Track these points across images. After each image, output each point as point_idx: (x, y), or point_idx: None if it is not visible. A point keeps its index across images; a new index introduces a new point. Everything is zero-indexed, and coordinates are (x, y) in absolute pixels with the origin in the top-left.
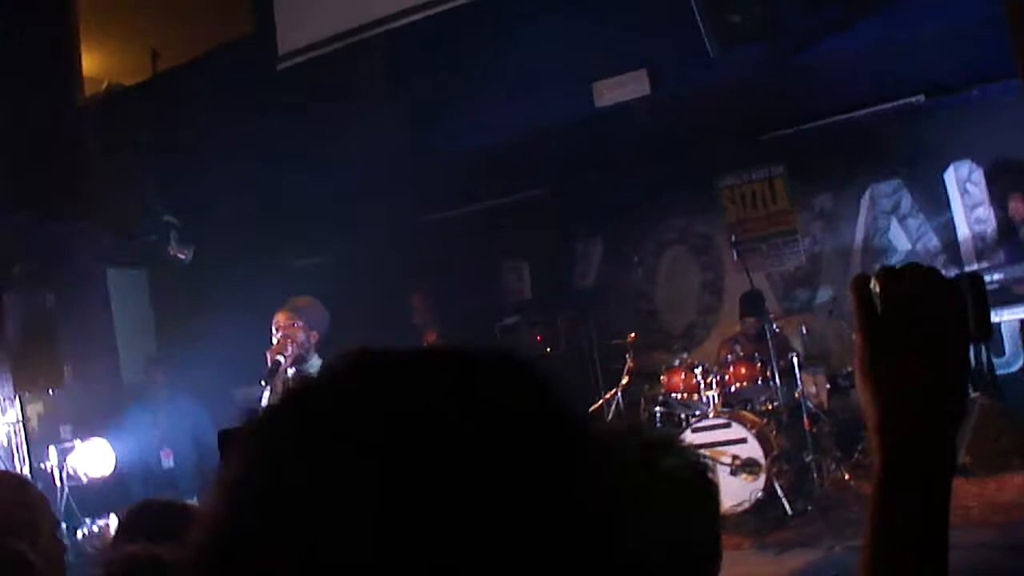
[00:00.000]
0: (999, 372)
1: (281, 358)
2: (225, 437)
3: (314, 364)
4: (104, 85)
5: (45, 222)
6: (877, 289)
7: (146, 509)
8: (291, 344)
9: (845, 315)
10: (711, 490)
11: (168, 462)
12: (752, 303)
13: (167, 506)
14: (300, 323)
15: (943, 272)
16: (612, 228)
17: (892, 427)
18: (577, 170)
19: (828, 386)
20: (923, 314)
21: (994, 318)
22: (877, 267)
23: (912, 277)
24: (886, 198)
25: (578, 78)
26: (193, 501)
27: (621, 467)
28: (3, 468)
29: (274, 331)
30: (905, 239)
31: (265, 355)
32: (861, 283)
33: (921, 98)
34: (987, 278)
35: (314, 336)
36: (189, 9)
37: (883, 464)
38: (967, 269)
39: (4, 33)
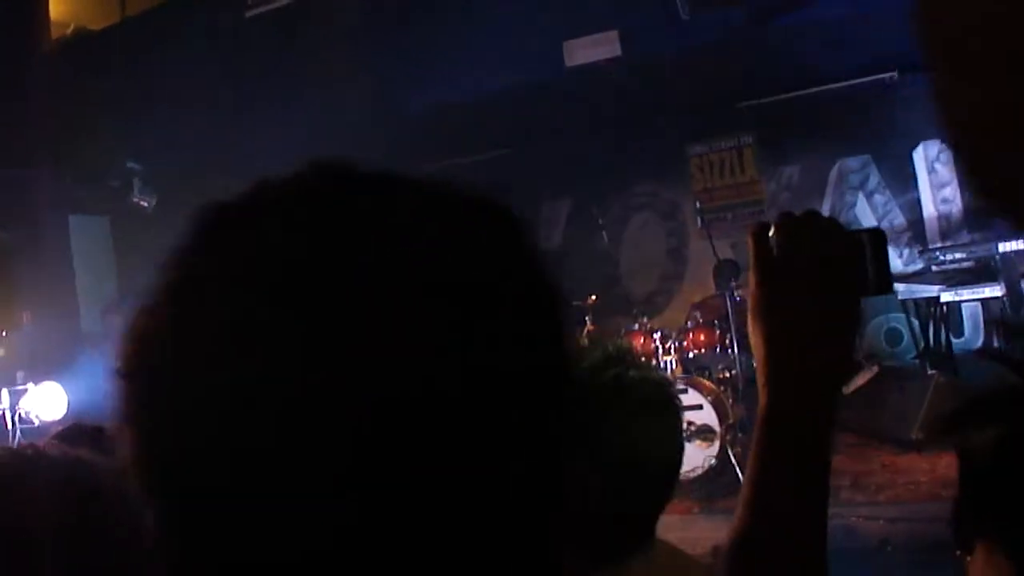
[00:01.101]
0: (957, 351)
1: None
2: None
3: None
4: (70, 29)
5: (5, 166)
6: (775, 236)
7: (76, 427)
8: None
9: None
10: (674, 404)
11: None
12: (724, 274)
13: (98, 427)
14: None
15: (892, 255)
16: (579, 190)
17: (775, 371)
18: (546, 131)
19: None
20: (819, 263)
21: (955, 297)
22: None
23: (811, 227)
24: (854, 173)
25: (549, 37)
26: None
27: (591, 366)
28: None
29: None
30: (871, 215)
31: None
32: (760, 229)
33: (894, 75)
34: (951, 256)
35: None
36: None
37: (764, 406)
38: (920, 250)
39: None
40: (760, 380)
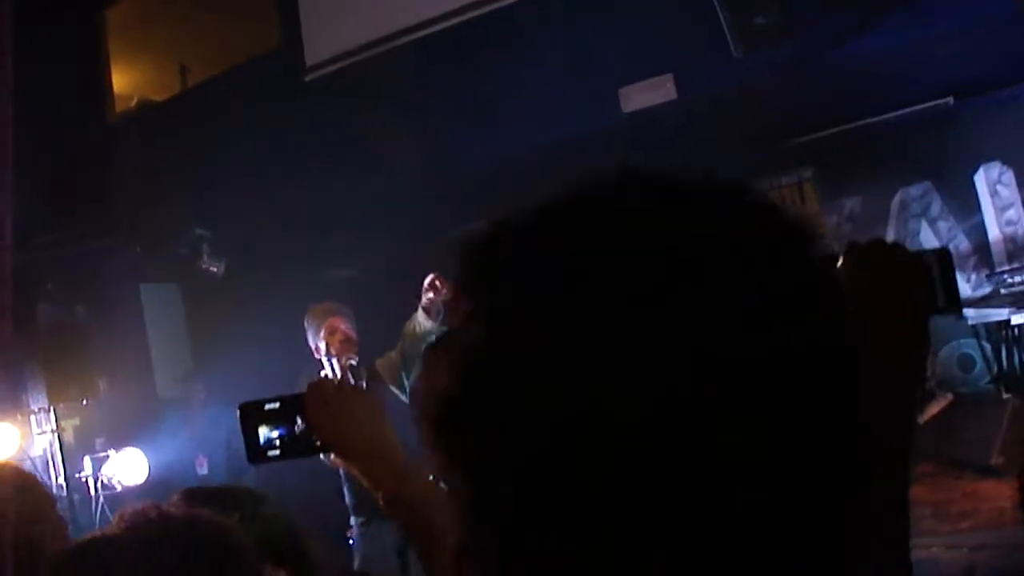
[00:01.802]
0: None
1: (353, 361)
2: (247, 409)
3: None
4: (134, 101)
5: (77, 239)
6: (843, 266)
7: (196, 490)
8: (355, 345)
9: None
10: None
11: (202, 469)
12: None
13: (218, 489)
14: (354, 330)
15: (960, 280)
16: None
17: None
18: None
19: None
20: (887, 287)
21: None
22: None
23: (877, 253)
24: (916, 201)
25: (604, 84)
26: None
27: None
28: (39, 479)
29: (328, 334)
30: (936, 242)
31: (331, 362)
32: (828, 260)
33: (950, 100)
34: (1019, 278)
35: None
36: (217, 25)
37: None
38: (988, 274)
39: (35, 51)
40: None
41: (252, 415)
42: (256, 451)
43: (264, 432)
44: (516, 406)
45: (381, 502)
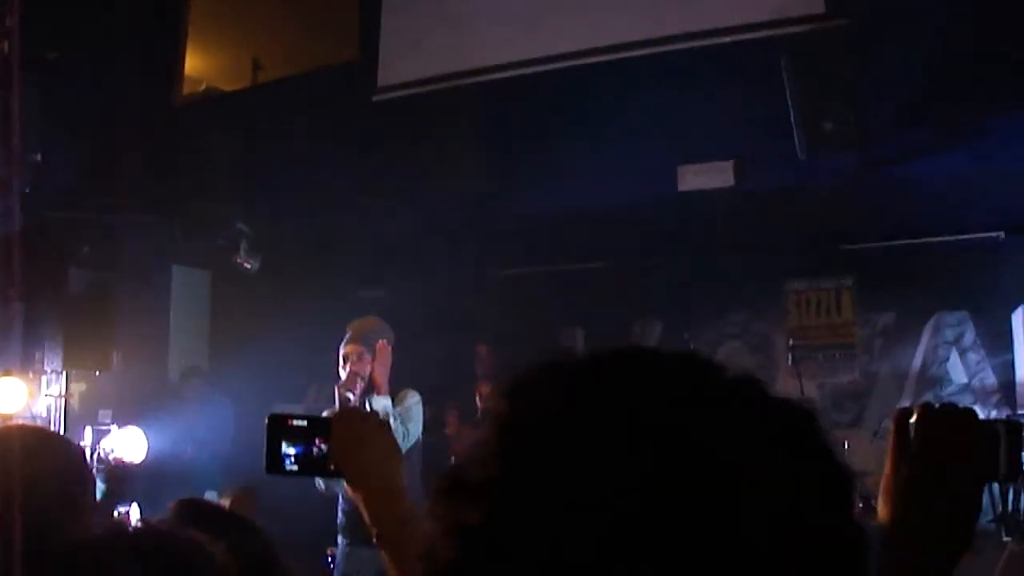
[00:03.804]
0: None
1: (351, 395)
2: (274, 421)
3: (378, 400)
4: (203, 86)
5: (120, 209)
6: (915, 424)
7: (194, 504)
8: (360, 381)
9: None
10: None
11: (186, 455)
12: None
13: (213, 509)
14: (368, 356)
15: (980, 414)
16: (673, 312)
17: (899, 548)
18: (647, 249)
19: (860, 505)
20: (954, 452)
21: None
22: (919, 402)
23: (949, 416)
24: (950, 328)
25: (665, 159)
26: (209, 496)
27: None
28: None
29: (342, 362)
30: (963, 372)
31: (333, 389)
32: (901, 416)
33: (1001, 235)
34: None
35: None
36: (297, 26)
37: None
38: (1009, 415)
39: (116, 23)
40: (887, 546)
41: (278, 428)
42: (275, 463)
43: (287, 447)
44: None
45: (375, 536)
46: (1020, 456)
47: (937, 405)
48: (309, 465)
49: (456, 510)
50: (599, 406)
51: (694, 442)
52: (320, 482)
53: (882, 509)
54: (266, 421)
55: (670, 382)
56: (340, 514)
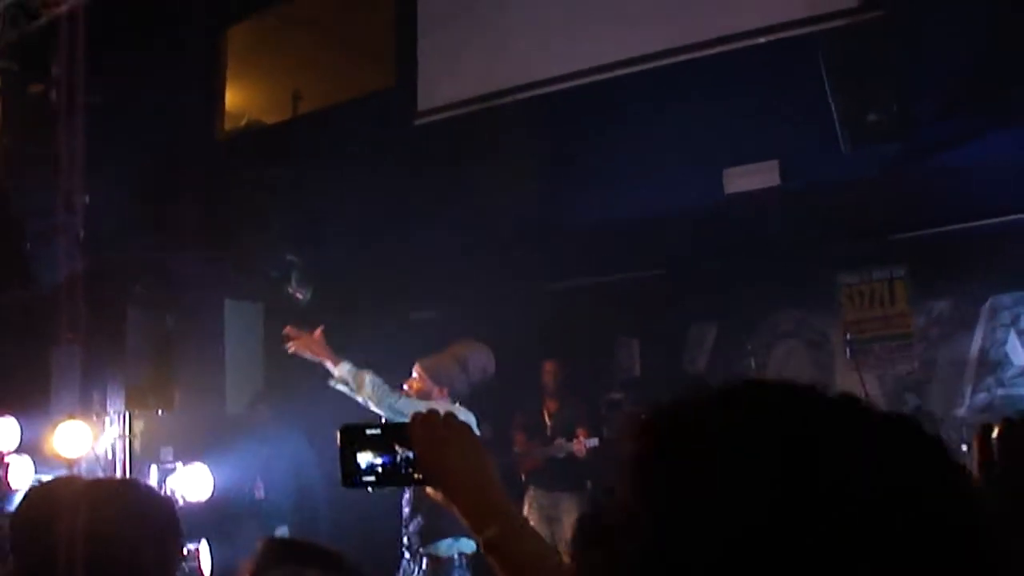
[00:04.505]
0: None
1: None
2: (348, 432)
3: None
4: (244, 120)
5: (173, 248)
6: (997, 441)
7: (305, 545)
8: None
9: (954, 428)
10: None
11: (259, 493)
12: None
13: (326, 549)
14: (429, 380)
15: None
16: (728, 315)
17: None
18: (698, 254)
19: None
20: None
21: None
22: (1004, 416)
23: None
24: (1007, 310)
25: (709, 164)
26: (282, 532)
27: None
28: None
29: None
30: (1022, 353)
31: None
32: (985, 432)
33: None
34: None
35: (439, 392)
36: (335, 55)
37: None
38: None
39: (158, 62)
40: None
41: (352, 439)
42: (353, 475)
43: (365, 458)
44: None
45: (481, 543)
46: None
47: (1017, 419)
48: (391, 475)
49: (605, 552)
50: (739, 443)
51: (842, 479)
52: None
53: None
54: (338, 433)
55: (807, 417)
56: (414, 521)
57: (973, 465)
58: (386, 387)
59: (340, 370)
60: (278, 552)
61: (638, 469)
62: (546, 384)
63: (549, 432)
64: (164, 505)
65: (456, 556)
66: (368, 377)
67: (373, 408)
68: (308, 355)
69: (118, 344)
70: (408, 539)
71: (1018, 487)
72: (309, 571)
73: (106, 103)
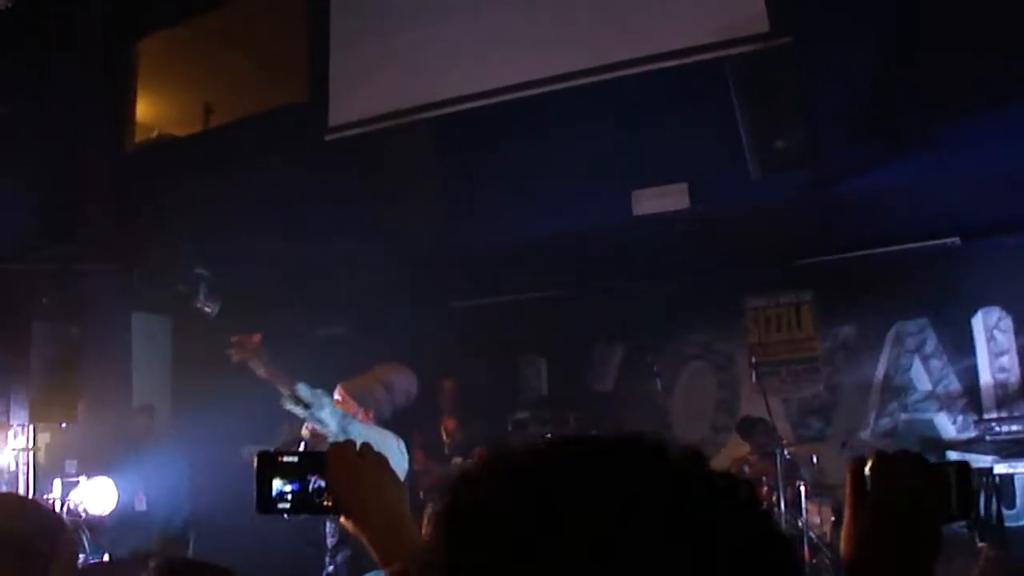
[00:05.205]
0: (1009, 524)
1: (306, 433)
2: (265, 458)
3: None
4: (155, 133)
5: (78, 259)
6: (870, 473)
7: (188, 562)
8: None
9: (857, 450)
10: None
11: (141, 506)
12: (746, 428)
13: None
14: (354, 402)
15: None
16: (634, 336)
17: None
18: (605, 274)
19: (833, 518)
20: (907, 498)
21: (1009, 470)
22: (874, 450)
23: (902, 464)
24: (911, 336)
25: (619, 184)
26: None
27: None
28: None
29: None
30: (926, 379)
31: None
32: (857, 465)
33: (956, 240)
34: (1007, 428)
35: (365, 415)
36: (247, 69)
37: None
38: (975, 420)
39: (67, 72)
40: None
41: (267, 464)
42: (267, 502)
43: (278, 485)
44: None
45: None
46: (970, 494)
47: (889, 452)
48: (304, 503)
49: None
50: (535, 508)
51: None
52: None
53: (844, 553)
54: (255, 458)
55: (612, 478)
56: (328, 535)
57: (846, 497)
58: (340, 411)
59: (301, 390)
60: (167, 572)
61: (439, 522)
62: (443, 402)
63: (447, 450)
64: (40, 522)
65: None
66: (327, 399)
67: (332, 430)
68: (260, 373)
69: (22, 356)
70: (335, 569)
71: (888, 518)
72: None
73: (7, 114)
